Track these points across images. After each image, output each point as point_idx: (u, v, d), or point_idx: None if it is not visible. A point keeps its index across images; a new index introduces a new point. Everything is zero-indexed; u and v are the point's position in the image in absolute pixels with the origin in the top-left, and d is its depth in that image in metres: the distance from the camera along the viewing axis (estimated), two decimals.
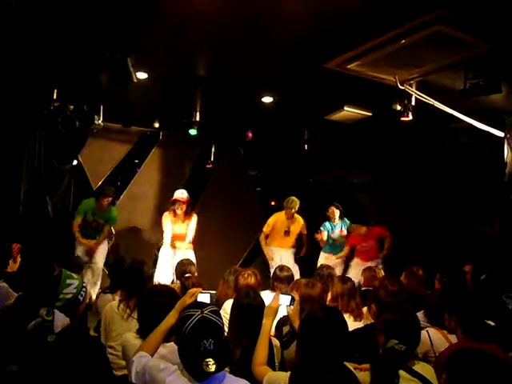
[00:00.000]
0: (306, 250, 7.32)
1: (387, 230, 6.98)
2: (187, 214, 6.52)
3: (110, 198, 6.46)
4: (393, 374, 2.34)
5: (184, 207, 6.43)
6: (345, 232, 7.29)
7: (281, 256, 7.06)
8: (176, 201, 6.40)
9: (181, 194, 6.45)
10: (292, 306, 2.99)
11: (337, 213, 7.26)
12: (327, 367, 1.85)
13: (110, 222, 6.59)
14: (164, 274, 6.30)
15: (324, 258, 7.17)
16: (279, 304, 2.83)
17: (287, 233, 7.14)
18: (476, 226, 6.26)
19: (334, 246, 7.27)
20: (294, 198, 7.09)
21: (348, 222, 7.37)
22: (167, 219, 6.51)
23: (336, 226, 7.30)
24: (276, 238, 7.15)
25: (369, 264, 6.73)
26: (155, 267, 6.50)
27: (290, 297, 3.01)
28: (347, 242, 7.20)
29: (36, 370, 2.26)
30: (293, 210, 7.05)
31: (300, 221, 7.26)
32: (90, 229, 6.41)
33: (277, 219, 7.16)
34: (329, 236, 7.26)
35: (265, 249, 7.12)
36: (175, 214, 6.47)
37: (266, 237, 7.15)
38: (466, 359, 2.01)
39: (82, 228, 6.36)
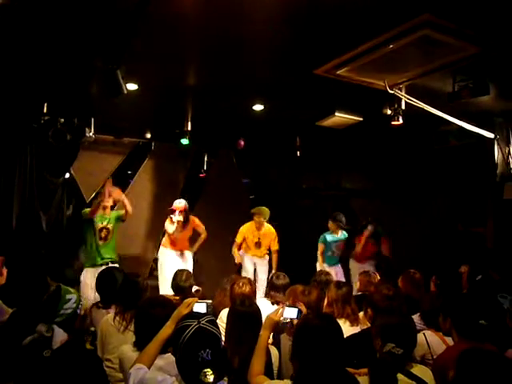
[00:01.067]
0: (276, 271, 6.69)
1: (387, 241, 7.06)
2: (186, 222, 6.61)
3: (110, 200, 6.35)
4: (391, 378, 2.34)
5: (184, 215, 6.53)
6: (343, 245, 7.23)
7: (255, 263, 7.17)
8: (175, 210, 6.50)
9: (178, 202, 6.58)
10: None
11: (334, 226, 7.14)
12: (329, 373, 1.84)
13: (119, 219, 6.15)
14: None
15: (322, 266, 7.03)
16: (283, 318, 2.79)
17: (258, 244, 7.11)
18: (470, 228, 6.29)
19: (331, 257, 7.19)
20: (262, 207, 7.04)
21: (346, 234, 7.28)
22: (168, 224, 6.66)
23: (338, 238, 7.20)
24: (250, 247, 7.15)
25: (365, 265, 6.89)
26: (152, 276, 6.53)
27: (296, 309, 2.92)
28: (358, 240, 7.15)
29: None
30: (260, 218, 6.97)
31: (271, 233, 7.16)
32: (100, 241, 5.89)
33: (247, 229, 7.13)
34: (328, 247, 7.15)
35: (237, 257, 7.14)
36: (173, 222, 6.56)
37: (240, 246, 7.17)
38: (475, 359, 2.03)
39: (90, 248, 5.89)
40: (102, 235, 5.93)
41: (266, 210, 7.01)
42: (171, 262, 6.54)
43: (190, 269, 6.20)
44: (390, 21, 3.28)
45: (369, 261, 7.04)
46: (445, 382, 2.41)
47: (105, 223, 5.96)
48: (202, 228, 6.80)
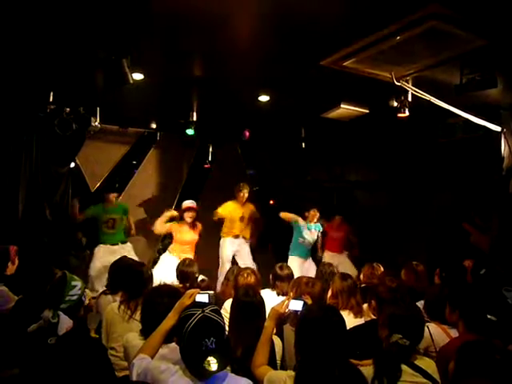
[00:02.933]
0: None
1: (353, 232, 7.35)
2: (194, 222, 6.68)
3: (116, 193, 6.71)
4: (396, 369, 2.35)
5: (195, 215, 6.64)
6: (315, 235, 7.29)
7: (235, 251, 7.22)
8: (189, 208, 6.60)
9: (191, 202, 6.73)
10: None
11: (317, 216, 7.25)
12: (331, 364, 1.85)
13: (127, 213, 6.82)
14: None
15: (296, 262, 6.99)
16: (287, 310, 2.80)
17: (242, 219, 7.21)
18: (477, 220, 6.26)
19: (302, 247, 7.18)
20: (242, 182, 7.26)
21: (320, 225, 7.37)
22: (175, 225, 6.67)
23: (311, 226, 7.24)
24: (235, 221, 7.20)
25: (336, 255, 7.31)
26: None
27: (302, 302, 2.92)
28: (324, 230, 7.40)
29: (37, 372, 2.26)
30: (245, 191, 7.16)
31: (250, 206, 7.38)
32: (109, 229, 6.55)
33: (231, 206, 7.23)
34: (301, 235, 7.14)
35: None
36: (184, 223, 6.62)
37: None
38: (476, 351, 2.03)
39: (102, 234, 6.55)
40: (109, 225, 6.56)
41: (247, 185, 7.27)
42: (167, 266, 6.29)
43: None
44: (397, 12, 3.25)
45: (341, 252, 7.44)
46: (448, 374, 2.41)
47: (112, 215, 6.58)
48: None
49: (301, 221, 7.13)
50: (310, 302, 3.14)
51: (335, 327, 2.27)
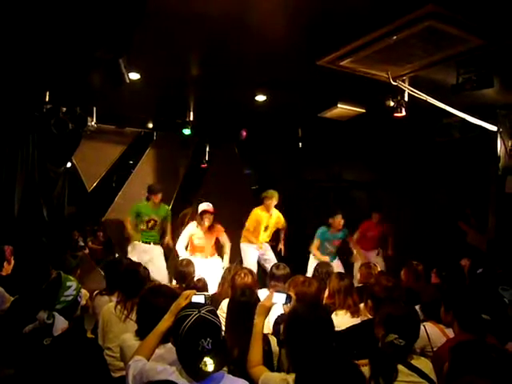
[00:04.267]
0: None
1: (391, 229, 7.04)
2: (212, 227, 6.48)
3: (161, 195, 6.61)
4: (392, 369, 2.35)
5: (212, 218, 6.40)
6: (339, 242, 6.98)
7: (259, 255, 6.95)
8: (205, 212, 6.37)
9: (207, 205, 6.45)
10: (288, 304, 2.96)
11: (342, 222, 6.84)
12: (333, 363, 1.84)
13: (168, 217, 6.86)
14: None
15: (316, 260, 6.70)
16: (273, 303, 2.81)
17: (266, 228, 6.92)
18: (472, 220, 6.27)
19: (328, 254, 6.90)
20: (271, 190, 6.85)
21: (347, 231, 7.01)
22: (193, 228, 6.47)
23: (336, 236, 6.92)
24: (259, 231, 6.90)
25: (373, 253, 7.03)
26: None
27: (285, 295, 2.94)
28: (361, 229, 7.10)
29: (33, 373, 2.25)
30: (273, 201, 6.74)
31: (278, 215, 7.00)
32: (147, 229, 6.59)
33: (259, 215, 6.86)
34: (325, 245, 6.90)
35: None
36: (202, 226, 6.42)
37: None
38: (470, 351, 2.03)
39: (142, 232, 6.57)
40: (150, 225, 6.62)
41: (276, 193, 6.82)
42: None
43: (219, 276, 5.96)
44: (394, 11, 3.25)
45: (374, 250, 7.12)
46: (442, 374, 2.42)
47: (152, 216, 6.62)
48: (225, 236, 6.61)
49: (319, 255, 6.79)
50: (293, 295, 3.14)
51: (320, 325, 2.27)
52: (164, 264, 6.70)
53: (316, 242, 6.92)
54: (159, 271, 6.34)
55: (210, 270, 6.07)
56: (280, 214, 7.04)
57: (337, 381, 1.75)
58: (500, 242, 5.68)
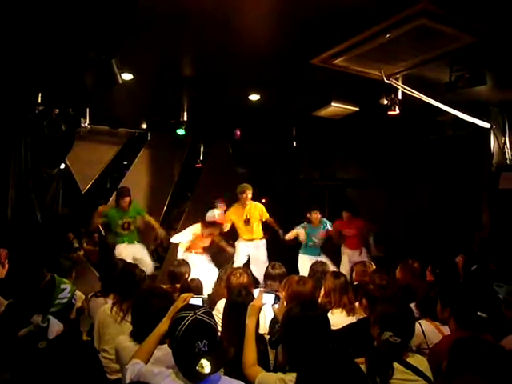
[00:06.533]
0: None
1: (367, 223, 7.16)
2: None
3: (128, 198, 6.56)
4: (387, 367, 2.36)
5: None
6: (324, 233, 7.21)
7: (249, 253, 7.03)
8: (216, 223, 6.47)
9: (217, 214, 6.53)
10: (277, 305, 2.95)
11: (319, 217, 7.17)
12: (333, 362, 1.84)
13: (141, 213, 6.81)
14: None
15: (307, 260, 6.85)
16: (263, 303, 2.81)
17: (247, 221, 6.97)
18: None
19: (312, 248, 7.16)
20: (244, 184, 7.00)
21: (327, 222, 7.26)
22: (197, 230, 6.49)
23: (316, 229, 7.17)
24: (241, 227, 7.01)
25: (357, 252, 7.11)
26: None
27: (273, 295, 2.97)
28: (334, 228, 7.25)
29: (28, 377, 2.24)
30: (248, 193, 6.85)
31: (257, 206, 7.08)
32: (125, 231, 6.56)
33: (232, 212, 6.99)
34: (310, 240, 7.13)
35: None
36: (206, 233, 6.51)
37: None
38: (469, 347, 2.04)
39: (119, 235, 6.58)
40: (125, 226, 6.59)
41: (248, 186, 6.95)
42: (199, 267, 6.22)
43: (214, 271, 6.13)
44: (387, 10, 3.26)
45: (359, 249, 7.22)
46: (441, 371, 2.42)
47: (125, 219, 6.57)
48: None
49: (301, 234, 7.06)
50: (282, 295, 3.15)
51: (316, 324, 2.27)
52: (151, 262, 6.78)
53: (301, 230, 7.10)
54: (148, 268, 6.34)
55: (205, 266, 6.35)
56: (260, 205, 7.14)
57: (339, 380, 1.74)
58: (494, 238, 5.71)
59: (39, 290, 2.76)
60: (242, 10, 3.37)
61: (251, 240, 7.03)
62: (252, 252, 7.03)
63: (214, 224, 6.45)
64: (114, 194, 7.04)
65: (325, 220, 7.27)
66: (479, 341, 2.14)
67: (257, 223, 7.05)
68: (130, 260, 5.68)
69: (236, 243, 7.12)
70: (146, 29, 3.71)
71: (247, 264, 6.87)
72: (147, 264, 6.40)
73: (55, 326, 2.53)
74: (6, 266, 4.17)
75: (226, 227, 6.84)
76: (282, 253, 6.91)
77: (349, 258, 7.13)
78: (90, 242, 9.52)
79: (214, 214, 6.50)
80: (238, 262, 6.84)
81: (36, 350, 2.38)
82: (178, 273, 4.72)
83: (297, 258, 7.20)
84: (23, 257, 5.12)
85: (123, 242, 6.57)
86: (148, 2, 3.22)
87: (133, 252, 6.47)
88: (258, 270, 6.27)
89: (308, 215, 7.17)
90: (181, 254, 6.41)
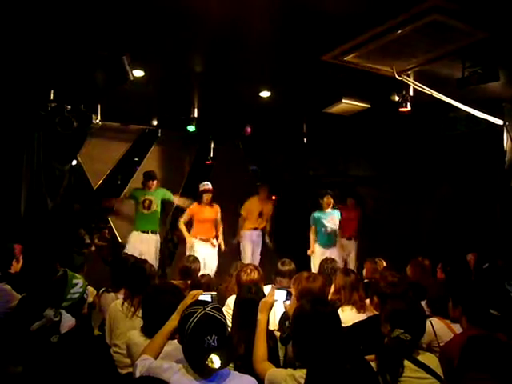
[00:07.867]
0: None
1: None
2: (211, 203, 6.98)
3: (154, 181, 6.80)
4: (398, 364, 2.35)
5: (210, 196, 6.92)
6: (337, 220, 7.32)
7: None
8: (204, 190, 6.89)
9: (206, 184, 7.01)
10: (288, 301, 2.95)
11: (331, 203, 7.31)
12: (343, 359, 1.84)
13: (166, 195, 7.00)
14: None
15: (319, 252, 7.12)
16: (275, 300, 2.81)
17: (260, 214, 7.62)
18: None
19: (324, 236, 7.28)
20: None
21: (338, 211, 7.39)
22: (194, 206, 6.96)
23: (327, 214, 7.31)
24: (255, 217, 7.63)
25: (345, 241, 7.29)
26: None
27: (285, 292, 2.97)
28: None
29: (41, 371, 2.26)
30: (266, 190, 7.72)
31: (269, 202, 7.83)
32: (146, 210, 6.68)
33: (251, 203, 7.69)
34: (322, 225, 7.25)
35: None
36: (201, 203, 6.92)
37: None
38: (482, 345, 2.03)
39: (138, 218, 6.74)
40: (146, 205, 6.71)
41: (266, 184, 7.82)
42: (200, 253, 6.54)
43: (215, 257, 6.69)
44: (399, 6, 3.24)
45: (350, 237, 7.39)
46: (451, 369, 2.41)
47: (147, 196, 6.76)
48: (219, 216, 7.10)
49: (312, 240, 7.32)
50: (293, 292, 3.14)
51: (327, 320, 2.27)
52: (157, 254, 6.88)
53: (312, 228, 7.41)
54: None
55: (210, 253, 6.79)
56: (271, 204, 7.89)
57: (349, 376, 1.74)
58: (506, 236, 5.65)
59: (52, 284, 2.78)
60: (252, 6, 3.36)
61: (256, 229, 7.64)
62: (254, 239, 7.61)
63: (206, 191, 6.90)
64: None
65: (335, 209, 7.40)
66: (492, 339, 2.13)
67: (265, 217, 7.71)
68: (134, 249, 6.01)
69: (242, 232, 7.58)
70: (156, 26, 3.72)
71: None
72: (151, 259, 6.45)
73: (67, 321, 2.55)
74: (21, 261, 4.22)
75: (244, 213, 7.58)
76: (294, 248, 7.12)
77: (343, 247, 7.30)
78: (101, 237, 9.60)
79: (204, 183, 7.04)
80: (245, 251, 7.45)
81: (48, 343, 2.40)
82: (193, 269, 4.74)
83: (305, 252, 7.36)
84: (36, 252, 5.17)
85: (137, 230, 6.68)
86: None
87: (140, 241, 6.59)
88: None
89: (320, 201, 7.34)
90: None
